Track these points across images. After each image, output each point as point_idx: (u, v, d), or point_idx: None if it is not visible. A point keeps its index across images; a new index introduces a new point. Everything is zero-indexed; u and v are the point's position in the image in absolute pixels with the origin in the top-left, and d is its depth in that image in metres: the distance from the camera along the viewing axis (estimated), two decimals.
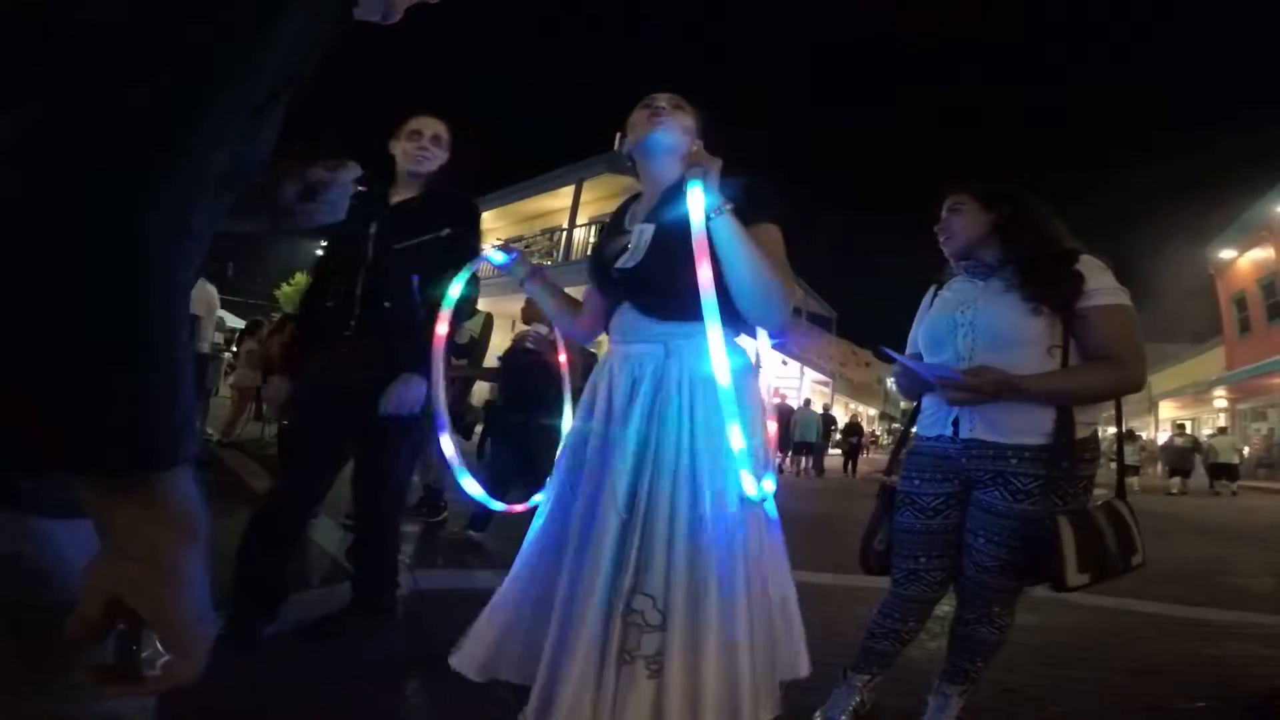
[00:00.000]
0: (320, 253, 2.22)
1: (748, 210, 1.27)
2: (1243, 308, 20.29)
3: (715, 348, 1.17)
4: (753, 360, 1.47)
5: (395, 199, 2.12)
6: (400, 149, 2.12)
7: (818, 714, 1.75)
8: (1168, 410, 24.24)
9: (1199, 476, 14.13)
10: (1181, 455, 13.95)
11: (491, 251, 1.61)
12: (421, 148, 2.10)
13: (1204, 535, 6.92)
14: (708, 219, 1.18)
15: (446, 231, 2.10)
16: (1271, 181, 17.40)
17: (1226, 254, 20.64)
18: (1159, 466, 15.58)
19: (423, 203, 2.13)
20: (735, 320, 1.32)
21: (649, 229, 1.37)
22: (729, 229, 1.21)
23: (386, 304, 2.04)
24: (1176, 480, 13.52)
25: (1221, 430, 17.06)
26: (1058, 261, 1.58)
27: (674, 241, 1.25)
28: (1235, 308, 20.74)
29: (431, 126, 2.13)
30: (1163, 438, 17.61)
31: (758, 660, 1.20)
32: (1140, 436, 16.53)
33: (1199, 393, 21.62)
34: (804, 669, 1.40)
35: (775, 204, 1.36)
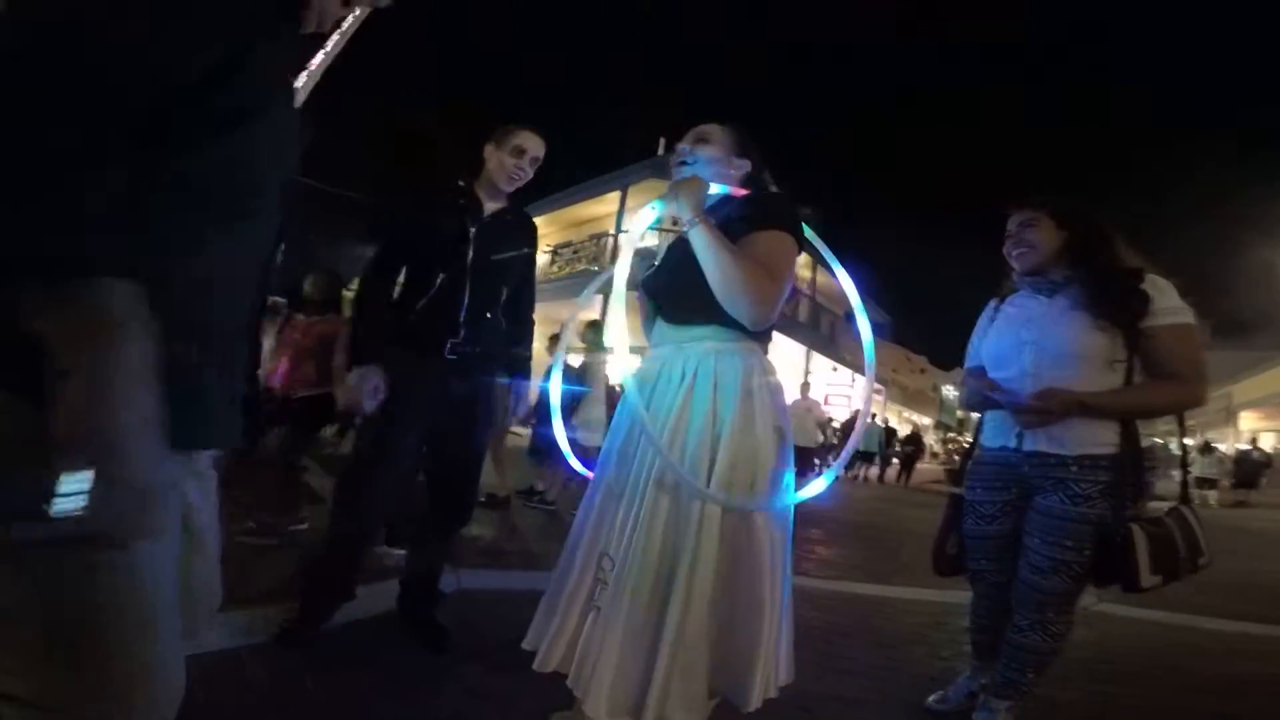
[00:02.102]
0: (389, 239, 2.09)
1: (750, 219, 1.38)
2: None
3: (617, 350, 1.30)
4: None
5: (488, 207, 2.12)
6: (498, 160, 2.08)
7: (934, 695, 1.91)
8: (1249, 421, 22.70)
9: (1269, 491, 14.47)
10: (1255, 469, 14.85)
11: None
12: (520, 167, 2.07)
13: None
14: (683, 229, 1.38)
15: (526, 250, 2.19)
16: None
17: None
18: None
19: (514, 218, 2.16)
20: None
21: (665, 245, 1.55)
22: (699, 239, 1.34)
23: (488, 315, 2.08)
24: (1250, 492, 14.41)
25: None
26: (1125, 279, 1.63)
27: (676, 256, 1.44)
28: None
29: (536, 148, 2.10)
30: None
31: (669, 652, 1.24)
32: (1217, 449, 15.64)
33: None
34: (773, 689, 1.32)
35: (781, 213, 1.41)
